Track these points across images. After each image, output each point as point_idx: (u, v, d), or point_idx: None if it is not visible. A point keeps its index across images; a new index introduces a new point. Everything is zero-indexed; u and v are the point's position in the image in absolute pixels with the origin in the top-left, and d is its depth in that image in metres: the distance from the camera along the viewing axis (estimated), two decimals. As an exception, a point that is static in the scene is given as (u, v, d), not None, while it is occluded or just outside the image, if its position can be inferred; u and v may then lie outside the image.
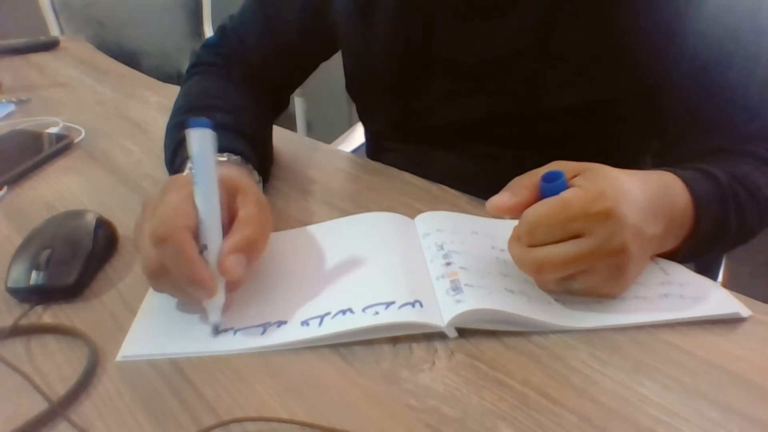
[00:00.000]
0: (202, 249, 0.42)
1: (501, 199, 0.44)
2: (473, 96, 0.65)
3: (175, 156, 0.60)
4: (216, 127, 0.57)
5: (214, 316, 0.43)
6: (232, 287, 0.44)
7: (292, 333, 0.42)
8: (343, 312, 0.43)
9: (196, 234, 0.42)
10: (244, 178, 0.50)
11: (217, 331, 0.43)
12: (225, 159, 0.54)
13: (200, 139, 0.42)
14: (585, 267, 0.42)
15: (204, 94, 0.69)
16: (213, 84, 0.71)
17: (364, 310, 0.42)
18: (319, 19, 0.72)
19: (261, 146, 0.64)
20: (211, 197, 0.42)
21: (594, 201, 0.41)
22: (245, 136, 0.60)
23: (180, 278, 0.40)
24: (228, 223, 0.44)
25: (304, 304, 0.45)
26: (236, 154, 0.55)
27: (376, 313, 0.42)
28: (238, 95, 0.69)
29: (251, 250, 0.43)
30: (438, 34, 0.64)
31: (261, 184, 0.59)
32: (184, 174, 0.52)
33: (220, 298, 0.42)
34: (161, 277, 0.42)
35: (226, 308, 0.43)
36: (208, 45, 0.77)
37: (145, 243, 0.42)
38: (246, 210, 0.45)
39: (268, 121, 0.73)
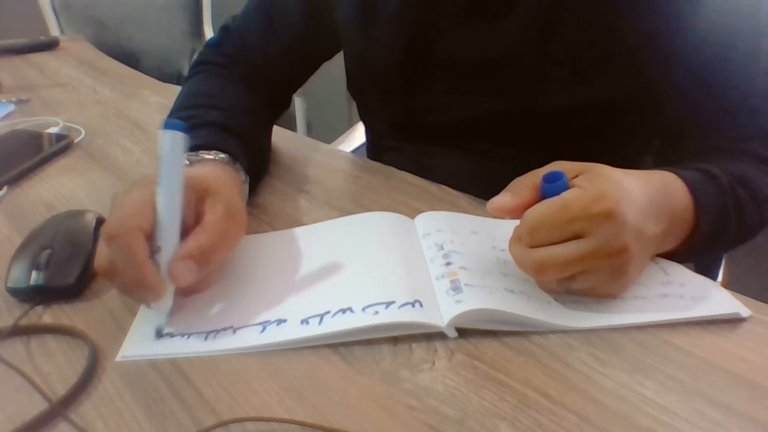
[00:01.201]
0: (156, 251, 0.42)
1: (502, 199, 0.44)
2: (474, 96, 0.65)
3: None
4: (207, 125, 0.57)
5: (159, 320, 0.43)
6: (187, 291, 0.44)
7: (291, 331, 0.42)
8: (343, 311, 0.43)
9: (151, 235, 0.42)
10: (221, 179, 0.49)
11: (160, 334, 0.42)
12: (212, 157, 0.54)
13: (170, 141, 0.42)
14: (586, 267, 0.42)
15: (202, 93, 0.69)
16: (213, 83, 0.71)
17: (364, 310, 0.42)
18: (321, 19, 0.72)
19: (253, 146, 0.63)
20: (172, 199, 0.42)
21: (595, 201, 0.41)
22: (236, 135, 0.59)
23: (126, 278, 0.40)
24: (193, 225, 0.44)
25: (303, 302, 0.45)
26: (224, 152, 0.55)
27: (376, 312, 0.42)
28: (237, 94, 0.69)
29: (203, 258, 0.43)
30: (439, 34, 0.64)
31: (247, 184, 0.58)
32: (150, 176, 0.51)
33: (166, 302, 0.42)
34: (110, 275, 0.42)
35: (175, 312, 0.44)
36: (212, 44, 0.77)
37: (101, 240, 0.42)
38: (210, 215, 0.45)
39: (266, 121, 0.73)
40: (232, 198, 0.48)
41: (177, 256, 0.42)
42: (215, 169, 0.52)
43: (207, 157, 0.54)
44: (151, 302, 0.42)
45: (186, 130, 0.43)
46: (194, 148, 0.54)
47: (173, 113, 0.65)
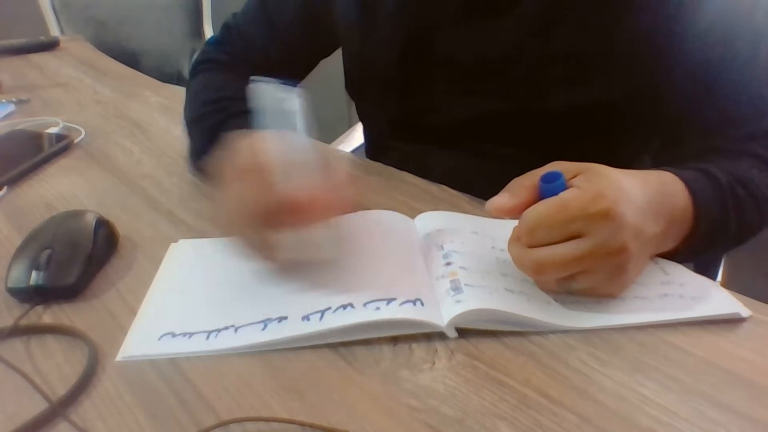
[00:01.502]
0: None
1: (500, 200, 0.44)
2: (473, 96, 0.65)
3: (213, 138, 0.58)
4: (246, 113, 0.56)
5: (329, 250, 0.46)
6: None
7: (293, 328, 0.42)
8: (344, 307, 0.43)
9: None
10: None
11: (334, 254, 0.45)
12: None
13: (296, 98, 0.45)
14: (585, 267, 0.42)
15: (223, 87, 0.69)
16: (228, 79, 0.71)
17: (365, 306, 0.42)
18: (321, 17, 0.72)
19: None
20: (308, 146, 0.44)
21: (593, 201, 0.41)
22: None
23: (298, 215, 0.42)
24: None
25: (304, 299, 0.45)
26: None
27: (377, 308, 0.42)
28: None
29: (352, 181, 0.46)
30: (438, 34, 0.64)
31: None
32: (251, 136, 0.50)
33: (336, 232, 0.45)
34: (274, 225, 0.43)
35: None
36: (215, 42, 0.78)
37: (249, 199, 0.43)
38: (322, 160, 0.46)
39: None
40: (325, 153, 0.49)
41: (334, 184, 0.44)
42: None
43: None
44: (320, 220, 0.44)
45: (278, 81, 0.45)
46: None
47: (202, 107, 0.66)
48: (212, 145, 0.59)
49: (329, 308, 0.43)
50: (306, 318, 0.43)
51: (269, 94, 0.44)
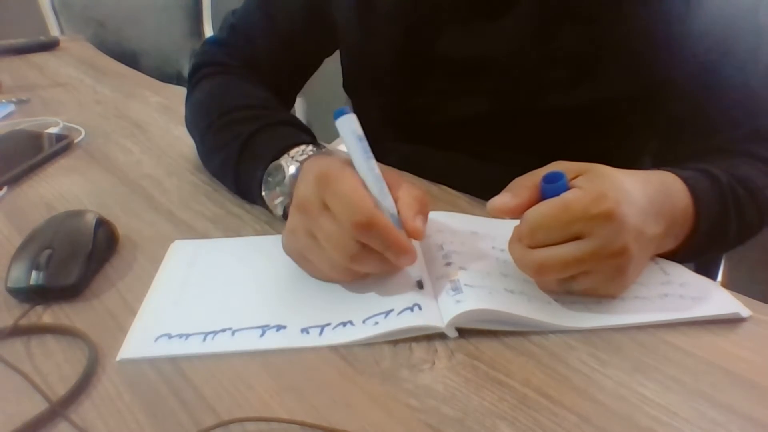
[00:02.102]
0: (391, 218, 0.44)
1: (502, 200, 0.44)
2: (473, 95, 0.65)
3: (244, 151, 0.58)
4: (283, 124, 0.60)
5: (418, 273, 0.46)
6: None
7: (291, 339, 0.42)
8: (344, 324, 0.43)
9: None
10: None
11: (422, 285, 0.45)
12: (306, 156, 0.53)
13: (353, 122, 0.46)
14: (586, 268, 0.42)
15: (247, 94, 0.68)
16: (249, 85, 0.70)
17: (364, 322, 0.42)
18: (321, 16, 0.72)
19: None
20: (378, 170, 0.46)
21: (595, 202, 0.41)
22: (303, 128, 0.61)
23: (389, 254, 0.42)
24: None
25: (304, 310, 0.45)
26: (309, 144, 0.56)
27: (376, 323, 0.42)
28: (271, 95, 0.69)
29: (424, 210, 0.46)
30: (437, 32, 0.64)
31: None
32: (317, 166, 0.48)
33: (418, 257, 0.45)
34: (364, 259, 0.43)
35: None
36: (220, 43, 0.76)
37: (336, 237, 0.42)
38: (390, 180, 0.46)
39: None
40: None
41: (411, 214, 0.44)
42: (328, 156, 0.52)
43: (304, 156, 0.54)
44: (410, 264, 0.44)
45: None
46: (288, 147, 0.55)
47: (224, 113, 0.63)
48: (248, 157, 0.58)
49: (329, 324, 0.43)
50: (305, 331, 0.42)
51: (349, 124, 0.46)
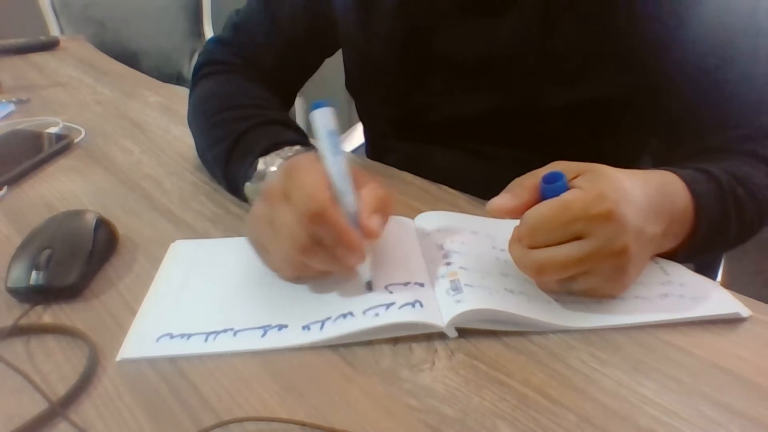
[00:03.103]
0: (348, 216, 0.44)
1: (501, 201, 0.44)
2: (473, 93, 0.65)
3: (236, 149, 0.60)
4: (272, 123, 0.61)
5: (368, 274, 0.45)
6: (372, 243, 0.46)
7: (292, 337, 0.42)
8: (344, 316, 0.43)
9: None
10: None
11: (371, 287, 0.45)
12: (292, 154, 0.56)
13: (326, 117, 0.46)
14: (586, 268, 0.42)
15: (245, 93, 0.69)
16: (245, 83, 0.71)
17: (364, 313, 0.42)
18: (324, 15, 0.72)
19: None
20: (345, 167, 0.45)
21: (595, 202, 0.41)
22: (295, 129, 0.62)
23: (337, 248, 0.43)
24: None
25: (305, 308, 0.45)
26: (297, 144, 0.57)
27: (377, 314, 0.42)
28: (271, 96, 0.70)
29: (385, 209, 0.46)
30: (438, 31, 0.64)
31: None
32: (291, 160, 0.51)
33: (370, 258, 0.45)
34: (313, 253, 0.43)
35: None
36: (222, 42, 0.77)
37: (290, 226, 0.42)
38: (358, 179, 0.46)
39: None
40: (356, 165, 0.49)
41: (367, 212, 0.44)
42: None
43: (290, 153, 0.56)
44: (358, 263, 0.44)
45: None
46: (274, 146, 0.56)
47: (221, 111, 0.65)
48: (238, 155, 0.59)
49: (329, 317, 0.43)
50: (306, 327, 0.42)
51: (322, 117, 0.46)
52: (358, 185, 0.46)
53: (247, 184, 0.57)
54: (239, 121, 0.62)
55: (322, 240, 0.42)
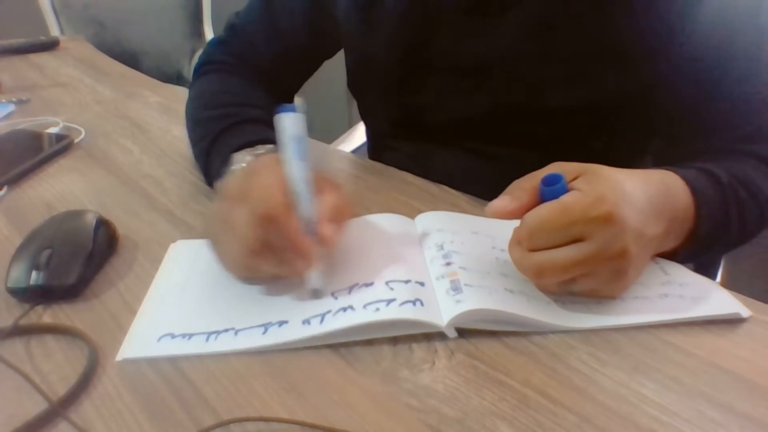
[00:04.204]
0: (303, 222, 0.44)
1: (501, 203, 0.44)
2: (473, 94, 0.65)
3: (213, 149, 0.61)
4: (253, 122, 0.61)
5: (315, 282, 0.45)
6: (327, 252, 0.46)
7: (293, 332, 0.42)
8: (344, 309, 0.43)
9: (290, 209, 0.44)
10: None
11: (319, 295, 0.45)
12: (263, 152, 0.56)
13: (295, 122, 0.46)
14: (586, 270, 0.42)
15: (228, 91, 0.70)
16: (234, 82, 0.72)
17: (365, 307, 0.42)
18: (324, 16, 0.72)
19: None
20: (307, 173, 0.46)
21: (594, 205, 0.41)
22: (272, 126, 0.61)
23: (285, 255, 0.43)
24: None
25: (305, 303, 0.45)
26: (273, 143, 0.57)
27: (377, 309, 0.42)
28: (259, 94, 0.70)
29: (342, 217, 0.46)
30: (439, 32, 0.64)
31: None
32: (238, 167, 0.55)
33: (319, 265, 0.44)
34: (262, 255, 0.43)
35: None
36: (219, 43, 0.78)
37: (242, 226, 0.43)
38: (322, 185, 0.47)
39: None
40: (323, 172, 0.49)
41: (320, 220, 0.44)
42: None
43: (259, 152, 0.56)
44: (305, 270, 0.44)
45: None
46: (248, 144, 0.57)
47: (204, 110, 0.67)
48: (215, 153, 0.60)
49: (329, 311, 0.43)
50: (306, 322, 0.43)
51: (288, 122, 0.46)
52: (319, 192, 0.46)
53: (219, 181, 0.57)
54: (220, 120, 0.63)
55: (272, 243, 0.42)
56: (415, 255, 0.49)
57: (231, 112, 0.64)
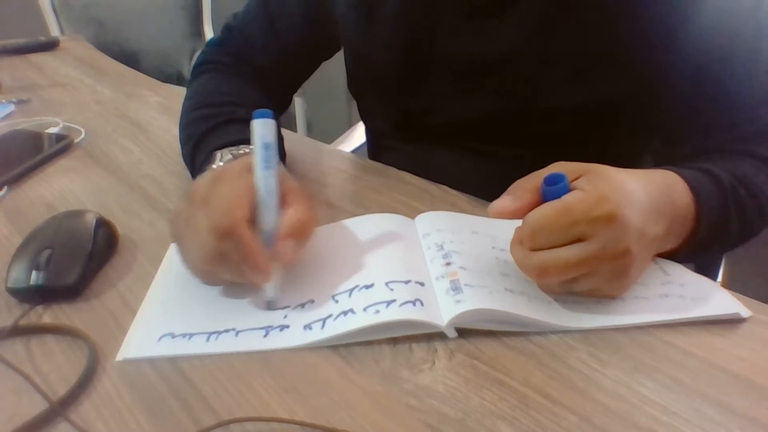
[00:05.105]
0: (263, 234, 0.44)
1: (503, 203, 0.44)
2: (473, 95, 0.65)
3: (198, 148, 0.61)
4: (238, 121, 0.60)
5: (270, 293, 0.44)
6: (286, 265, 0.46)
7: (294, 338, 0.42)
8: (345, 313, 0.43)
9: (252, 222, 0.44)
10: (281, 167, 0.51)
11: (273, 306, 0.45)
12: (246, 152, 0.56)
13: (265, 128, 0.45)
14: (588, 270, 0.42)
15: (219, 91, 0.70)
16: (226, 81, 0.72)
17: (365, 310, 0.42)
18: (322, 17, 0.72)
19: (279, 140, 0.66)
20: (273, 183, 0.45)
21: (596, 204, 0.41)
22: None
23: (242, 266, 0.42)
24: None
25: (306, 307, 0.45)
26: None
27: (377, 311, 0.42)
28: (252, 93, 0.70)
29: (301, 234, 0.45)
30: (439, 33, 0.64)
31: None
32: (217, 166, 0.55)
33: (276, 278, 0.44)
34: (218, 265, 0.43)
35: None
36: (216, 43, 0.78)
37: (201, 234, 0.43)
38: (291, 196, 0.46)
39: (277, 118, 0.74)
40: (296, 182, 0.49)
41: (279, 236, 0.44)
42: None
43: (245, 151, 0.56)
44: (262, 283, 0.44)
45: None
46: (231, 143, 0.57)
47: (194, 110, 0.66)
48: (200, 152, 0.61)
49: (330, 315, 0.43)
50: (308, 327, 0.43)
51: (258, 128, 0.45)
52: (286, 203, 0.46)
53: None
54: (207, 119, 0.63)
55: (229, 255, 0.42)
56: (415, 255, 0.49)
57: (219, 111, 0.64)
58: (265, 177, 0.45)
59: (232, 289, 0.47)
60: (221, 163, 0.55)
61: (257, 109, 0.46)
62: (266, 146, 0.45)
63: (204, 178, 0.46)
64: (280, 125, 0.75)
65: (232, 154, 0.56)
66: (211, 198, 0.43)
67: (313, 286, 0.47)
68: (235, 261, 0.42)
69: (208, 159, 0.57)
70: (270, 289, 0.44)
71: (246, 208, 0.43)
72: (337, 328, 0.42)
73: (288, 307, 0.45)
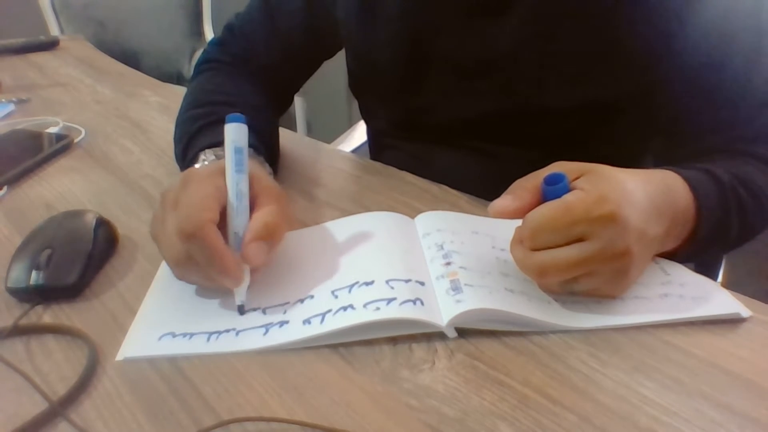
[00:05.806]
0: (232, 237, 0.44)
1: (503, 203, 0.44)
2: (474, 94, 0.65)
3: (188, 148, 0.61)
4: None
5: (240, 298, 0.44)
6: (255, 269, 0.45)
7: (294, 332, 0.42)
8: (345, 309, 0.43)
9: (222, 221, 0.44)
10: (257, 169, 0.51)
11: (242, 311, 0.44)
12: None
13: (237, 132, 0.45)
14: (588, 270, 0.42)
15: (216, 90, 0.70)
16: (224, 81, 0.72)
17: (365, 306, 0.42)
18: (323, 18, 0.72)
19: (270, 140, 0.67)
20: (243, 186, 0.45)
21: (597, 204, 0.41)
22: (255, 130, 0.60)
23: (208, 269, 0.42)
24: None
25: (305, 303, 0.45)
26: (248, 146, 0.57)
27: (377, 308, 0.42)
28: (249, 92, 0.70)
29: (271, 237, 0.45)
30: (440, 32, 0.64)
31: (272, 176, 0.60)
32: (200, 165, 0.55)
33: (245, 281, 0.44)
34: (187, 267, 0.43)
35: (251, 287, 0.45)
36: (217, 43, 0.78)
37: (169, 237, 0.43)
38: (264, 198, 0.46)
39: (275, 117, 0.74)
40: (274, 183, 0.49)
41: (247, 239, 0.44)
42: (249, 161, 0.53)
43: None
44: (231, 286, 0.44)
45: (247, 122, 0.46)
46: (217, 144, 0.57)
47: (189, 109, 0.66)
48: (187, 152, 0.61)
49: (330, 310, 0.43)
50: (307, 322, 0.43)
51: (230, 132, 0.45)
52: (257, 205, 0.46)
53: None
54: (198, 119, 0.63)
55: (196, 258, 0.42)
56: (415, 254, 0.49)
57: (211, 111, 0.64)
58: (236, 180, 0.45)
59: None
60: (206, 163, 0.55)
61: (229, 114, 0.46)
62: (238, 150, 0.45)
63: (176, 181, 0.46)
64: (279, 125, 0.76)
65: (215, 155, 0.56)
66: (178, 200, 0.43)
67: (312, 282, 0.47)
68: (203, 263, 0.42)
69: (195, 159, 0.57)
70: (238, 293, 0.44)
71: (214, 210, 0.43)
72: (337, 323, 0.42)
73: (287, 303, 0.45)
